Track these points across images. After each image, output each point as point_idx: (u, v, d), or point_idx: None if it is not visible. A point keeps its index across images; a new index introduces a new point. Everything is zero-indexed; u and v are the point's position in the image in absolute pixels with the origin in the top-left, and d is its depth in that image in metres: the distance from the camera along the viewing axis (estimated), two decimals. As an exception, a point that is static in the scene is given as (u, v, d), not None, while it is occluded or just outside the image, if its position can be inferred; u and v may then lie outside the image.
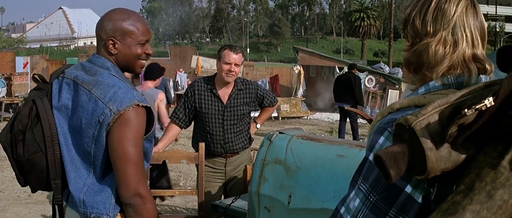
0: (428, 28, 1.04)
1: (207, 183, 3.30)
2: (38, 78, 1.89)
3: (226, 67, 3.28)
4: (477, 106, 0.78)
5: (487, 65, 1.03)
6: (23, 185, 1.86)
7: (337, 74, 17.31)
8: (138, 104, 1.72)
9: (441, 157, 0.81)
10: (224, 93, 3.37)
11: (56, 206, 1.85)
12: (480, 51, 1.04)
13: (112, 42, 1.79)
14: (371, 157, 0.97)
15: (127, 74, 2.34)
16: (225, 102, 3.34)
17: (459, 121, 0.79)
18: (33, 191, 1.88)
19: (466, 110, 0.79)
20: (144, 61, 1.88)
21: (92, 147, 1.73)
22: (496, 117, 0.78)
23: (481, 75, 1.02)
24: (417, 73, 1.06)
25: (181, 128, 3.43)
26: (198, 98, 3.34)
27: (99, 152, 1.73)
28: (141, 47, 1.82)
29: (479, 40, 1.05)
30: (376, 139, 0.98)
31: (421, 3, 1.06)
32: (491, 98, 0.78)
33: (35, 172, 1.78)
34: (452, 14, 1.03)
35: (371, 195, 0.94)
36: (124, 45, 1.80)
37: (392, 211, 0.92)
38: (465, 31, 1.03)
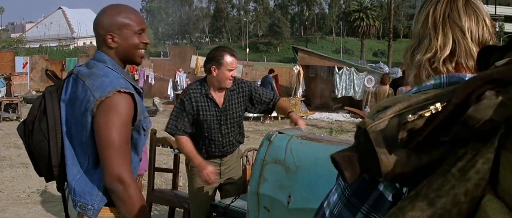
0: (419, 31, 1.07)
1: (198, 181, 3.27)
2: (51, 75, 2.03)
3: (229, 74, 3.17)
4: (420, 113, 0.77)
5: (471, 63, 1.03)
6: (40, 175, 1.98)
7: (335, 73, 17.32)
8: (119, 91, 1.77)
9: (397, 161, 0.80)
10: (219, 96, 3.26)
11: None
12: (463, 49, 1.03)
13: (111, 37, 1.87)
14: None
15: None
16: (220, 106, 3.25)
17: (406, 125, 0.78)
18: (46, 180, 1.99)
19: (410, 116, 0.77)
20: (142, 51, 1.95)
21: (84, 135, 1.81)
22: (452, 122, 0.76)
23: (469, 75, 1.01)
24: (410, 75, 1.09)
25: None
26: (195, 105, 3.21)
27: (88, 140, 1.80)
28: (138, 37, 1.90)
29: (467, 39, 1.03)
30: None
31: (418, 11, 1.10)
32: (438, 104, 0.77)
33: (41, 159, 1.90)
34: (440, 15, 1.04)
35: (346, 190, 0.96)
36: (122, 38, 1.88)
37: (364, 207, 0.93)
38: (440, 29, 1.04)
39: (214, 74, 3.20)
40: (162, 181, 6.51)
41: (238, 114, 3.33)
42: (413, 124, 0.77)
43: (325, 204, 1.02)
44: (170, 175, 4.69)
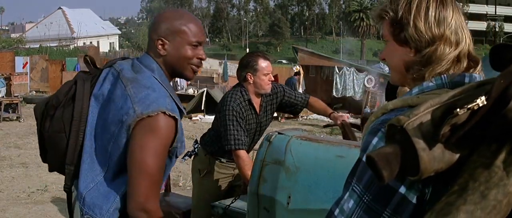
0: (434, 31, 1.04)
1: (214, 187, 3.24)
2: (89, 61, 1.83)
3: (266, 78, 3.06)
4: (469, 106, 0.78)
5: (478, 62, 1.05)
6: (43, 161, 1.83)
7: (335, 73, 17.32)
8: (165, 113, 1.58)
9: (434, 157, 0.81)
10: (257, 103, 3.12)
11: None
12: (472, 47, 1.07)
13: (161, 43, 1.69)
14: (365, 158, 0.97)
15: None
16: (258, 113, 3.13)
17: (451, 120, 0.79)
18: (50, 170, 1.83)
19: (458, 110, 0.78)
20: (195, 67, 1.74)
21: (110, 144, 1.64)
22: (489, 116, 0.78)
23: (475, 75, 1.03)
24: (418, 74, 1.06)
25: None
26: (244, 114, 3.05)
27: (114, 151, 1.64)
28: (192, 50, 1.70)
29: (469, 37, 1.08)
30: (370, 139, 0.99)
31: (416, 6, 1.05)
32: (483, 98, 0.78)
33: (53, 151, 1.74)
34: (451, 16, 1.05)
35: (365, 196, 0.94)
36: (174, 46, 1.69)
37: (386, 212, 0.92)
38: (463, 30, 1.05)
39: (251, 82, 3.08)
40: (162, 181, 6.50)
41: (269, 120, 3.24)
42: (456, 118, 0.79)
43: (336, 212, 0.99)
44: (171, 174, 4.70)
